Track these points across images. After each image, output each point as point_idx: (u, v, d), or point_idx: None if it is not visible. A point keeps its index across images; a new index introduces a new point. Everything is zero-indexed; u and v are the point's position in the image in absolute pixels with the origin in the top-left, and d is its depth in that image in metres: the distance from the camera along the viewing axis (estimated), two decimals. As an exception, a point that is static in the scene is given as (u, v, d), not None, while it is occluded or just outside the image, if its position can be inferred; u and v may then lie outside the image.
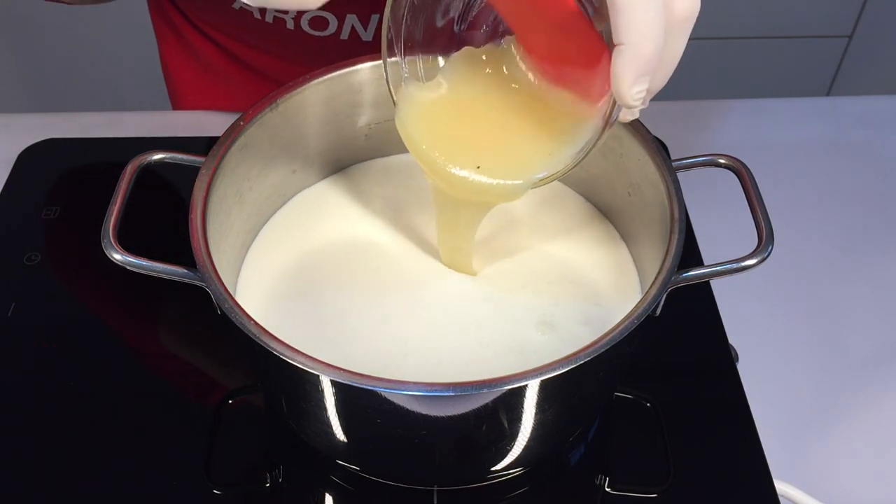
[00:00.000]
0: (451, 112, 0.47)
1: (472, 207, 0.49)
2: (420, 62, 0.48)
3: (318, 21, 0.67)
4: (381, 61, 0.53)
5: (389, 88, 0.47)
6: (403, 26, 0.46)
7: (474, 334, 0.49)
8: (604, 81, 0.43)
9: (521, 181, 0.46)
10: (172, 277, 0.43)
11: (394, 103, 0.48)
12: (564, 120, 0.46)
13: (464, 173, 0.46)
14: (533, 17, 0.45)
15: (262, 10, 0.68)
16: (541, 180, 0.46)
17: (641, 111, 0.42)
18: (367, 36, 0.69)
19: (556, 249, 0.54)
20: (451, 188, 0.47)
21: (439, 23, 0.47)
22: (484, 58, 0.48)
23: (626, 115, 0.41)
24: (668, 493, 0.51)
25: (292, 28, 0.68)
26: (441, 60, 0.48)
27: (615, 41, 0.37)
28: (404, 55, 0.46)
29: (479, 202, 0.48)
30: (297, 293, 0.51)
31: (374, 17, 0.67)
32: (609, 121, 0.42)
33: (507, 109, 0.46)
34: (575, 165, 0.45)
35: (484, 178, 0.46)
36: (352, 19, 0.67)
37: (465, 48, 0.48)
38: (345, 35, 0.68)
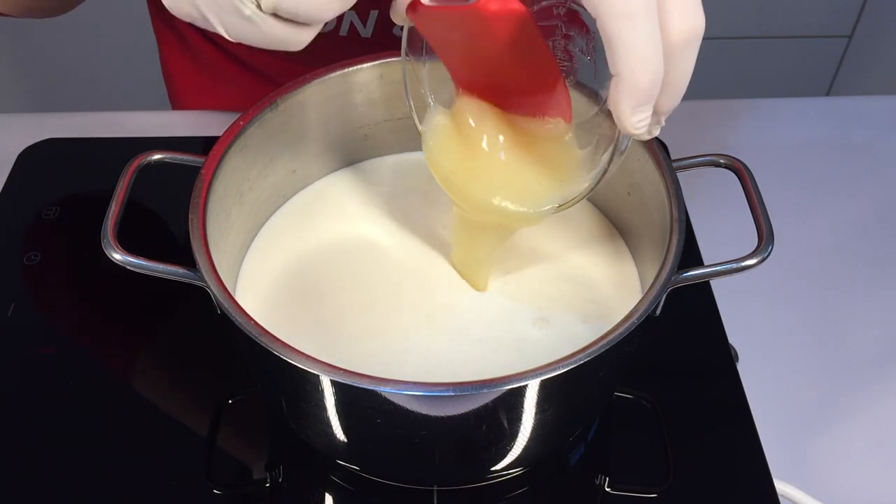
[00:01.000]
0: (475, 139, 0.47)
1: (494, 233, 0.49)
2: (446, 89, 0.48)
3: None
4: (380, 61, 0.53)
5: (414, 118, 0.48)
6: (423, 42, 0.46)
7: (473, 332, 0.49)
8: (559, 96, 0.43)
9: (544, 207, 0.46)
10: (172, 277, 0.43)
11: (419, 133, 0.48)
12: (577, 142, 0.46)
13: (489, 200, 0.46)
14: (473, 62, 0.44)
15: None
16: (560, 206, 0.46)
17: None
18: (365, 32, 0.69)
19: (556, 248, 0.54)
20: (475, 214, 0.48)
21: None
22: None
23: (644, 136, 0.40)
24: (668, 493, 0.51)
25: None
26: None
27: (611, 72, 0.37)
28: (426, 55, 0.46)
29: (501, 227, 0.49)
30: (297, 293, 0.51)
31: (373, 14, 0.67)
32: (618, 147, 0.42)
33: (528, 133, 0.46)
34: (592, 190, 0.45)
35: (508, 205, 0.46)
36: (350, 16, 0.67)
37: None
38: (344, 31, 0.68)
